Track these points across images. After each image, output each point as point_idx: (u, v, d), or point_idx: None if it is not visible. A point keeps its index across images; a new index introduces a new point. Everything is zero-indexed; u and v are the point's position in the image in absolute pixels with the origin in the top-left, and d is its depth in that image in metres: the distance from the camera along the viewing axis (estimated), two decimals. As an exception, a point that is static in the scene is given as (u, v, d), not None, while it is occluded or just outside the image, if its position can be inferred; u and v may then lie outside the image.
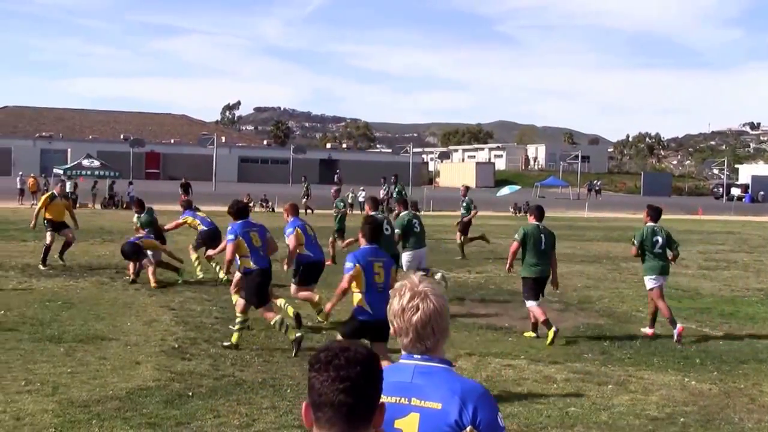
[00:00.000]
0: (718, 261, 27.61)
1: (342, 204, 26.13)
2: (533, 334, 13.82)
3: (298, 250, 14.50)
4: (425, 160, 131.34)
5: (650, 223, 14.67)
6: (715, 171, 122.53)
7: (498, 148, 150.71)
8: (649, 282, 14.41)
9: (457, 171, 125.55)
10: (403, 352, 3.41)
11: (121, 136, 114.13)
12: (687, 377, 11.21)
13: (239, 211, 12.80)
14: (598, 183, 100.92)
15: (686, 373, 11.48)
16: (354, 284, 9.71)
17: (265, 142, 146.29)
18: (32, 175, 58.66)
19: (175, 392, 9.55)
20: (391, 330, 3.41)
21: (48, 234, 20.64)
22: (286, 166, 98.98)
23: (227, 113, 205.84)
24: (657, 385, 10.74)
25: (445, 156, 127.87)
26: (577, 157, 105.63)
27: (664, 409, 9.58)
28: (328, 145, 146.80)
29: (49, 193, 23.05)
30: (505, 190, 79.02)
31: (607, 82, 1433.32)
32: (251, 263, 12.28)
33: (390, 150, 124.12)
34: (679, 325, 13.90)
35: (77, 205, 49.07)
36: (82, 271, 19.51)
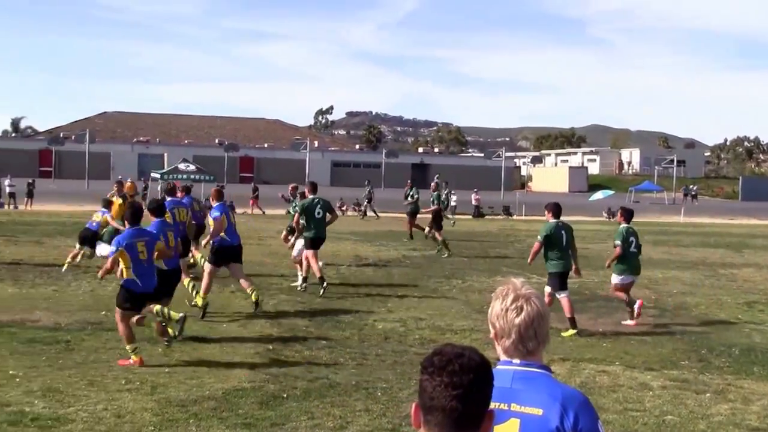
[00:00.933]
0: (821, 268, 26.85)
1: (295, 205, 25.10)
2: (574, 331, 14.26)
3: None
4: (517, 165, 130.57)
5: (625, 224, 15.80)
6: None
7: (591, 152, 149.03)
8: (616, 279, 15.64)
9: (549, 175, 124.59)
10: (501, 357, 3.39)
11: (216, 141, 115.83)
12: (789, 387, 10.92)
13: (158, 208, 13.26)
14: (694, 188, 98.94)
15: (788, 382, 11.17)
16: (121, 261, 11.14)
17: (357, 147, 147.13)
18: (129, 179, 59.80)
19: (270, 393, 9.66)
20: (492, 333, 3.41)
21: None
22: (378, 170, 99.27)
23: (320, 118, 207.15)
24: (758, 394, 10.47)
25: (537, 160, 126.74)
26: (672, 161, 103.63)
27: (765, 420, 9.34)
28: (420, 150, 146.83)
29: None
30: (599, 195, 77.90)
31: (703, 84, 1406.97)
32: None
33: (482, 154, 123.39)
34: (638, 301, 15.50)
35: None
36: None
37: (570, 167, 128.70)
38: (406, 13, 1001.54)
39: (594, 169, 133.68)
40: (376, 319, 15.02)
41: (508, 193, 79.35)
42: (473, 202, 57.87)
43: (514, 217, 57.89)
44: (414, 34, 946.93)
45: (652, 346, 13.32)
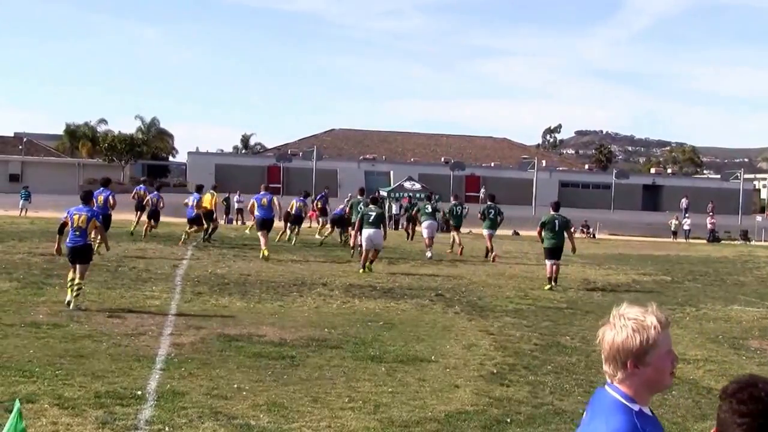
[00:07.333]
0: None
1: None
2: (548, 286, 21.65)
3: (255, 211, 26.40)
4: (757, 187, 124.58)
5: (490, 202, 30.40)
6: None
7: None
8: (485, 231, 29.91)
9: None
10: None
11: (442, 159, 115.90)
12: None
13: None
14: None
15: None
16: (68, 225, 16.37)
17: (586, 167, 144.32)
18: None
19: (493, 418, 9.41)
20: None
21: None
22: (608, 191, 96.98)
23: (548, 136, 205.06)
24: None
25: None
26: None
27: None
28: (652, 170, 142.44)
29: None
30: None
31: None
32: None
33: (718, 176, 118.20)
34: (495, 252, 29.12)
35: (398, 227, 50.76)
36: (402, 293, 19.93)
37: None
38: (641, 28, 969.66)
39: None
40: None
41: (746, 217, 75.76)
42: (708, 226, 55.67)
43: (753, 242, 55.15)
44: (649, 49, 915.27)
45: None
